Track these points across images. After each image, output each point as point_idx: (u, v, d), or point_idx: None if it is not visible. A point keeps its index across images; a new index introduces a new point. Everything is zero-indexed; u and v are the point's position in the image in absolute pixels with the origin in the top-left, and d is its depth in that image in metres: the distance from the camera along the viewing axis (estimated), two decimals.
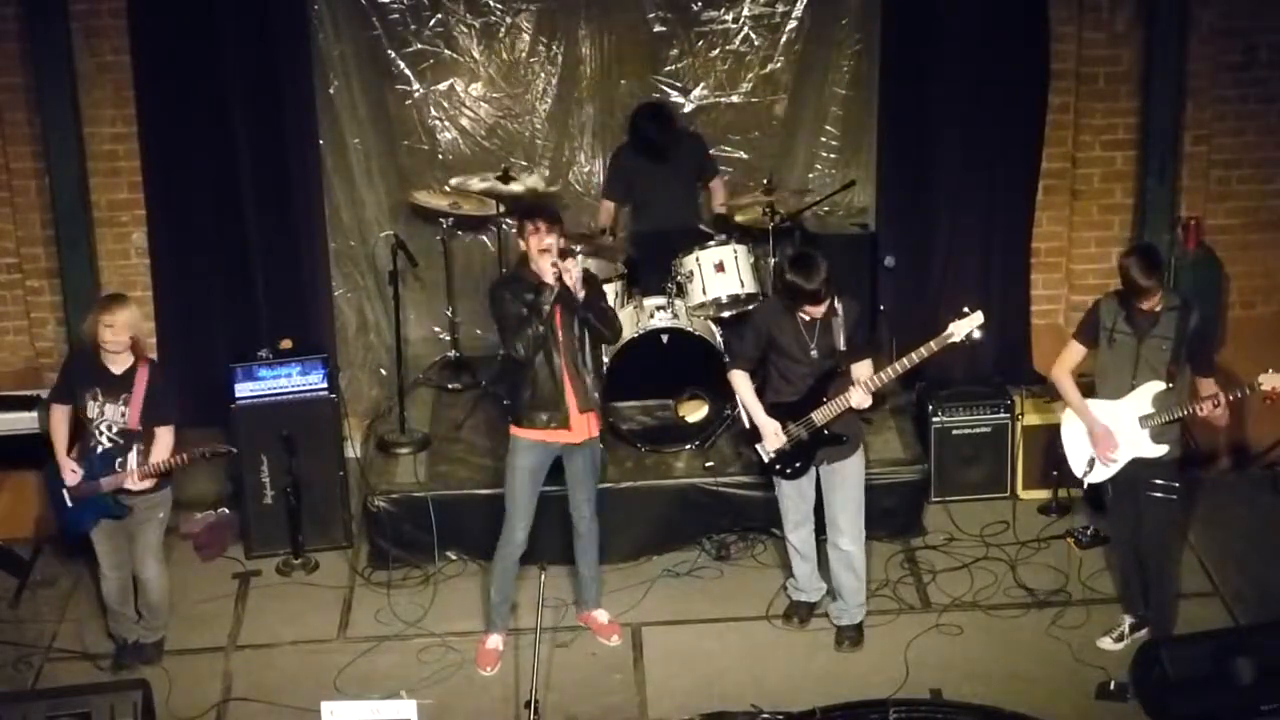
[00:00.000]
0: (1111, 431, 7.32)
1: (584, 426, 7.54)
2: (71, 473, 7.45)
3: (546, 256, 7.25)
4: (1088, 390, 7.48)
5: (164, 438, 7.51)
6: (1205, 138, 9.31)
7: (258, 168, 8.85)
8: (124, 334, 7.36)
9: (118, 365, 7.43)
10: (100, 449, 7.46)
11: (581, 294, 7.33)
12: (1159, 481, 7.31)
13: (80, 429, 7.52)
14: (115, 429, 7.45)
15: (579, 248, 9.10)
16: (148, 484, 7.46)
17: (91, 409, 7.43)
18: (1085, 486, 7.62)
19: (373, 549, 8.56)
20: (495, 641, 7.77)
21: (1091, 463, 7.45)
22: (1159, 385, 7.22)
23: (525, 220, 7.39)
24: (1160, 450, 7.29)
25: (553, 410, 7.44)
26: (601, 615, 7.96)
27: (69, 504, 7.50)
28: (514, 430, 7.56)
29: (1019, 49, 8.99)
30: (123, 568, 7.69)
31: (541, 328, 7.28)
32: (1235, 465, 9.12)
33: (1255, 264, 9.57)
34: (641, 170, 9.34)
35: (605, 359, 8.56)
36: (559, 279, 7.24)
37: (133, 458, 7.46)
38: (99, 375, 7.42)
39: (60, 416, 7.55)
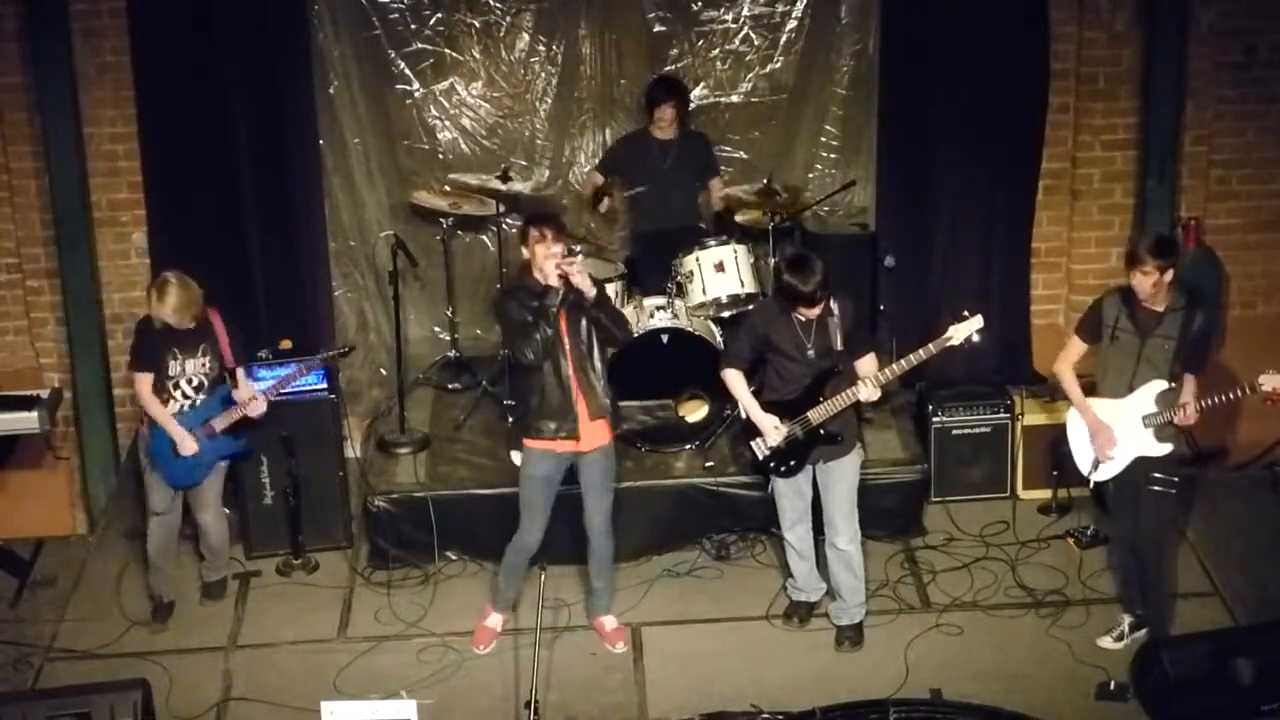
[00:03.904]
0: (1110, 429, 7.33)
1: (594, 434, 7.49)
2: (191, 440, 7.81)
3: (551, 262, 7.22)
4: (1090, 389, 7.48)
5: (244, 375, 7.92)
6: (1205, 138, 9.31)
7: (258, 168, 8.85)
8: (188, 314, 7.67)
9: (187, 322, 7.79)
10: (185, 405, 7.83)
11: (592, 292, 7.29)
12: (1158, 475, 7.32)
13: (158, 392, 7.83)
14: (196, 381, 7.84)
15: (579, 248, 9.13)
16: (264, 408, 7.91)
17: (173, 368, 7.79)
18: (1091, 485, 7.61)
19: (373, 549, 8.56)
20: (495, 621, 7.82)
21: (1096, 463, 7.46)
22: (1162, 384, 7.22)
23: (531, 227, 7.33)
24: (1164, 449, 7.29)
25: (561, 419, 7.39)
26: (609, 622, 7.93)
27: (177, 457, 7.83)
28: (525, 441, 7.54)
29: (1019, 49, 8.98)
30: (172, 514, 8.04)
31: (551, 329, 7.24)
32: (1233, 467, 9.12)
33: (1255, 264, 9.57)
34: (643, 161, 9.34)
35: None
36: (563, 279, 7.21)
37: (240, 391, 7.87)
38: (173, 335, 7.75)
39: (148, 385, 7.80)
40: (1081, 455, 7.55)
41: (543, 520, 7.59)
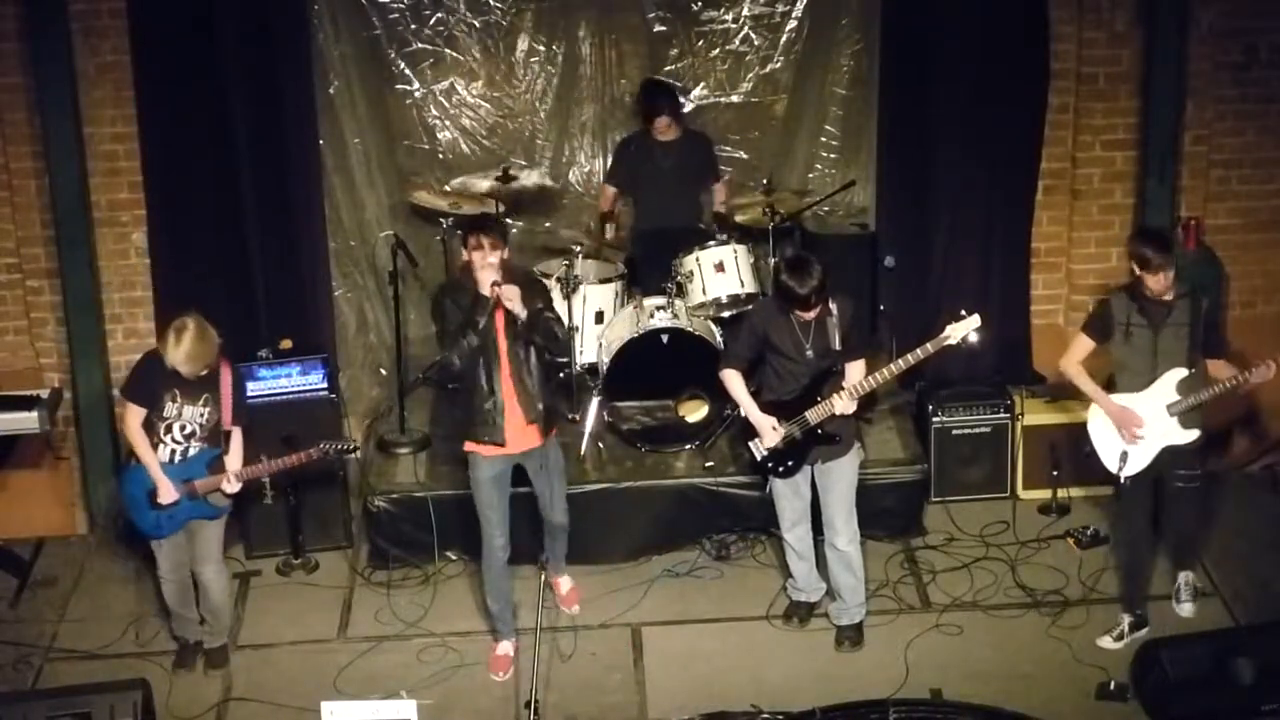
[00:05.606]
0: (1134, 411, 7.33)
1: (528, 438, 7.44)
2: (171, 488, 7.38)
3: (487, 272, 7.18)
4: (1107, 388, 7.49)
5: (239, 439, 7.56)
6: (1205, 138, 9.31)
7: (258, 168, 8.84)
8: (200, 365, 7.28)
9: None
10: (171, 450, 7.41)
11: (524, 314, 7.20)
12: (1181, 472, 7.35)
13: (146, 429, 7.44)
14: (189, 430, 7.42)
15: (579, 247, 9.12)
16: (238, 487, 7.49)
17: (169, 409, 7.38)
18: (1121, 482, 7.50)
19: (373, 549, 8.57)
20: (505, 648, 7.76)
21: (1125, 456, 7.42)
22: (1182, 372, 7.26)
23: (469, 234, 7.29)
24: (1191, 435, 7.33)
25: (495, 423, 7.36)
26: (565, 583, 8.05)
27: (151, 507, 7.44)
28: (466, 445, 7.51)
29: (1019, 49, 8.98)
30: (181, 568, 7.63)
31: (477, 339, 7.20)
32: (1233, 467, 9.13)
33: (1255, 264, 9.56)
34: (645, 163, 9.34)
35: (605, 358, 8.59)
36: (496, 297, 7.13)
37: (229, 460, 7.48)
38: (180, 376, 7.32)
39: (139, 419, 7.40)
40: (1108, 452, 7.51)
41: (503, 523, 7.56)
